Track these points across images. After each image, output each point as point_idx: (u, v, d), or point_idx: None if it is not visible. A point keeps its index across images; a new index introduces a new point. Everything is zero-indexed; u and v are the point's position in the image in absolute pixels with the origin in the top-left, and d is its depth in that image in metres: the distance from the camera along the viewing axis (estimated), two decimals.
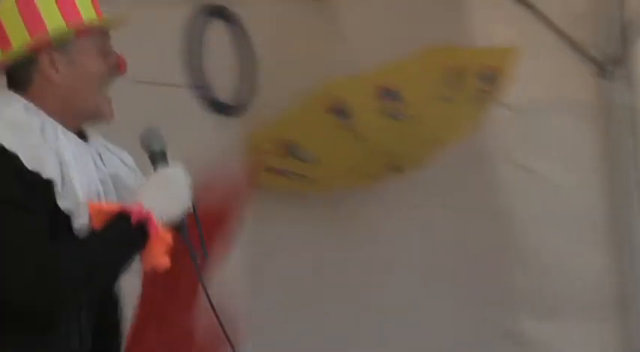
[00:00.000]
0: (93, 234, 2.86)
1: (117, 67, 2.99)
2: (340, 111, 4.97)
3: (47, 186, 2.79)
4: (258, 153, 5.11)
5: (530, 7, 5.48)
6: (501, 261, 5.75)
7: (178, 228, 3.00)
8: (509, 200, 5.66)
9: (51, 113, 2.88)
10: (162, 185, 3.02)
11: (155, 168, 3.00)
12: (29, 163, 2.76)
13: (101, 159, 3.03)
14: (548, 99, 5.66)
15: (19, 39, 2.91)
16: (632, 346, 6.03)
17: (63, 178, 2.85)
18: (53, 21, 2.91)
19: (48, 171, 2.81)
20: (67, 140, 2.88)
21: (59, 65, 2.87)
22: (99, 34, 2.94)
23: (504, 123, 5.48)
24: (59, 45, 2.87)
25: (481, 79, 5.20)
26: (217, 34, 4.91)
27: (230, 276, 4.58)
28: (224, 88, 4.91)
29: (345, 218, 5.45)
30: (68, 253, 2.83)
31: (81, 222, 2.88)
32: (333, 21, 5.11)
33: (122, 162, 3.11)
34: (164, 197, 3.01)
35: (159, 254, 2.93)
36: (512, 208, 5.75)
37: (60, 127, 2.89)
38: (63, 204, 2.80)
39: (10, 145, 2.77)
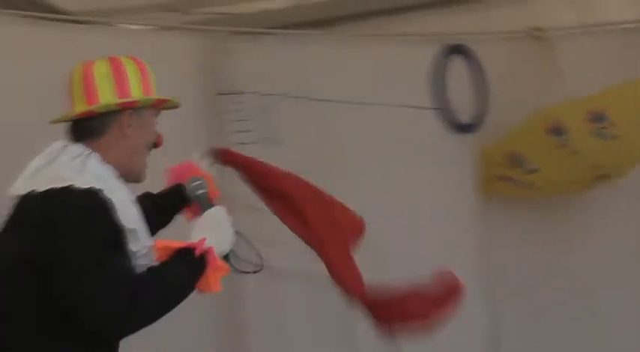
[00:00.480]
0: (163, 267, 3.32)
1: (158, 141, 3.55)
2: (557, 131, 5.73)
3: (122, 231, 3.25)
4: (490, 163, 6.10)
5: None
6: None
7: (226, 258, 3.53)
8: None
9: (112, 163, 3.35)
10: (212, 224, 3.52)
11: (203, 210, 3.58)
12: (118, 205, 3.28)
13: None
14: None
15: (108, 97, 3.40)
16: None
17: (134, 227, 3.35)
18: (136, 90, 3.44)
19: (130, 221, 3.32)
20: (119, 182, 3.41)
21: (133, 125, 3.37)
22: (157, 110, 3.51)
23: None
24: (140, 109, 3.39)
25: None
26: (457, 67, 5.94)
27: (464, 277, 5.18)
28: (462, 110, 5.88)
29: (560, 223, 6.21)
30: (147, 288, 3.26)
31: (144, 262, 3.31)
32: (551, 55, 5.87)
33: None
34: (216, 233, 3.51)
35: (216, 281, 3.40)
36: None
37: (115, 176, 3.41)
38: (133, 247, 3.29)
39: (108, 194, 3.26)
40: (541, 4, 6.55)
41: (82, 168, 3.38)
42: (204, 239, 3.38)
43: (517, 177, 6.11)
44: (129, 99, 3.42)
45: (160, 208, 4.05)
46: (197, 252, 3.32)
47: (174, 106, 3.58)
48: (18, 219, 3.43)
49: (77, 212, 3.27)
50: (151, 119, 3.50)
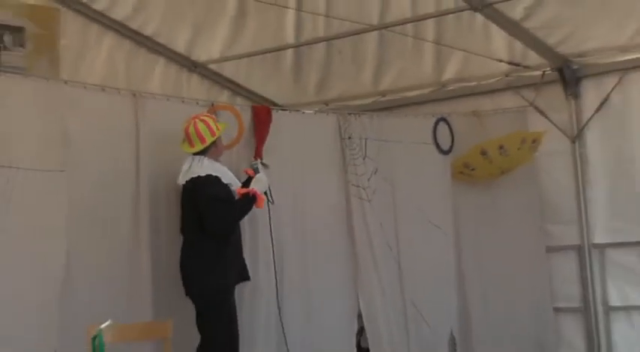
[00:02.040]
0: (239, 200, 7.81)
1: (226, 147, 8.22)
2: (484, 153, 9.77)
3: (227, 186, 7.74)
4: (455, 167, 10.04)
5: None
6: None
7: (266, 195, 8.00)
8: None
9: (212, 159, 7.82)
10: (258, 180, 8.02)
11: (256, 174, 8.08)
12: (224, 180, 7.74)
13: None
14: None
15: (209, 137, 7.80)
16: None
17: (230, 182, 7.77)
18: (217, 131, 7.88)
19: (225, 180, 7.75)
20: (221, 166, 7.84)
21: (219, 145, 7.94)
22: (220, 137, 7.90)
23: None
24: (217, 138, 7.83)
25: (531, 142, 9.83)
26: (443, 128, 10.06)
27: None
28: (445, 145, 9.94)
29: (482, 190, 10.21)
30: (231, 209, 7.74)
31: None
32: (483, 125, 10.14)
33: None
34: (260, 185, 7.99)
35: (261, 203, 7.90)
36: None
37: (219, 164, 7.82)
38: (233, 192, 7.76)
39: (216, 174, 7.69)
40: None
41: (202, 166, 7.67)
42: (254, 188, 7.79)
43: (466, 173, 10.07)
44: (214, 137, 7.74)
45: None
46: (251, 193, 7.74)
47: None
48: (186, 192, 7.69)
49: (206, 182, 7.60)
50: (220, 141, 7.86)
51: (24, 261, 6.79)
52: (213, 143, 7.77)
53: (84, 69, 9.92)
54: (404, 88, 11.05)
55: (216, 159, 7.81)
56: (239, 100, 10.83)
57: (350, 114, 9.61)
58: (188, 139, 7.70)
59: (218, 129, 7.80)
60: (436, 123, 10.21)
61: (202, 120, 7.72)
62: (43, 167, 7.00)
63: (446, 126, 10.28)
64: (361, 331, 9.43)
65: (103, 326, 5.89)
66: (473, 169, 10.23)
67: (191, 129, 7.66)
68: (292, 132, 8.88)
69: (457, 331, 9.94)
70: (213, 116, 7.93)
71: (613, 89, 10.09)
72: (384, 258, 9.42)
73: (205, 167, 7.60)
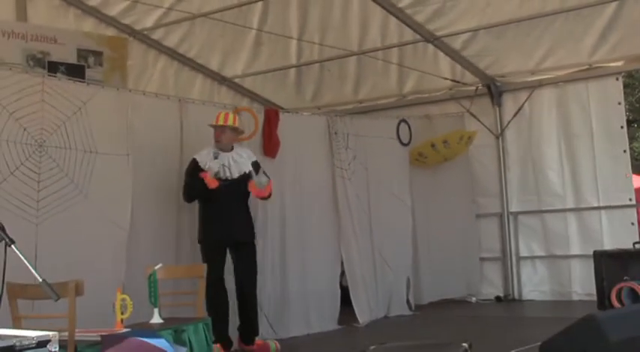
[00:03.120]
0: (187, 180, 7.09)
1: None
2: (433, 146, 9.97)
3: (196, 169, 6.95)
4: (412, 155, 10.22)
5: None
6: None
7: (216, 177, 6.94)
8: None
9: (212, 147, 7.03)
10: (210, 168, 7.14)
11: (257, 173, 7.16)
12: (202, 163, 7.01)
13: (231, 159, 7.14)
14: None
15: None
16: None
17: (206, 167, 6.95)
18: (217, 122, 7.13)
19: (201, 164, 7.00)
20: (209, 153, 7.04)
21: (215, 134, 7.11)
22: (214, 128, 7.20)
23: None
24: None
25: (467, 139, 10.19)
26: (404, 127, 11.04)
27: None
28: (405, 139, 10.22)
29: (430, 172, 10.63)
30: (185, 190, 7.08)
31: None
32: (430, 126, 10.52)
33: (233, 159, 7.15)
34: (209, 170, 6.96)
35: (210, 184, 6.85)
36: None
37: (215, 150, 7.06)
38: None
39: (197, 157, 7.06)
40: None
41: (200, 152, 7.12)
42: (204, 173, 6.91)
43: (420, 160, 10.19)
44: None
45: None
46: (200, 175, 6.98)
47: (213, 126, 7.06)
48: None
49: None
50: (215, 130, 7.10)
51: (102, 218, 6.85)
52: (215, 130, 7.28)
53: (144, 82, 10.12)
54: (376, 98, 11.16)
55: (220, 147, 7.29)
56: (255, 105, 10.85)
57: (336, 116, 9.58)
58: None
59: (219, 121, 7.32)
60: (399, 124, 10.20)
61: (220, 112, 7.48)
62: (114, 152, 7.04)
63: (406, 126, 10.26)
64: (342, 273, 9.42)
65: (157, 267, 5.93)
66: (425, 157, 10.32)
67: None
68: (293, 129, 8.85)
69: (411, 274, 10.04)
70: (225, 114, 7.46)
71: (525, 101, 10.39)
72: (359, 221, 9.44)
73: (199, 154, 7.28)
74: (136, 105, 7.41)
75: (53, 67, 8.45)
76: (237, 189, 7.16)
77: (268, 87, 11.28)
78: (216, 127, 7.22)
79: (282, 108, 10.30)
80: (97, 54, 8.95)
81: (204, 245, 7.21)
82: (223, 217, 7.07)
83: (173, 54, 10.43)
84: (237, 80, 11.19)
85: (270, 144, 8.41)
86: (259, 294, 7.72)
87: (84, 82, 7.73)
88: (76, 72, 8.52)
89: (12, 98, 6.32)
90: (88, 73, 8.75)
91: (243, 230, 7.26)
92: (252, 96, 11.44)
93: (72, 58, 8.73)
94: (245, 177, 7.16)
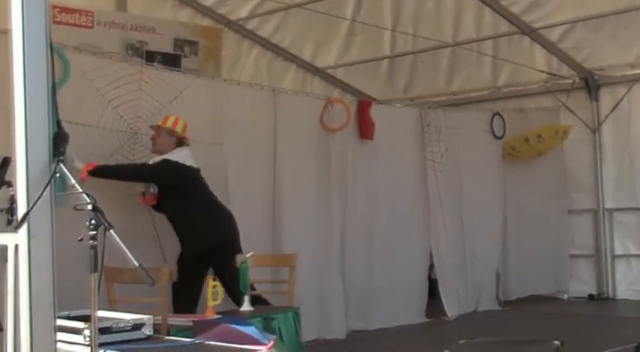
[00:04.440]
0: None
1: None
2: (527, 140, 9.85)
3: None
4: (505, 149, 10.01)
5: None
6: None
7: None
8: None
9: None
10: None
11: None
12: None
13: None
14: None
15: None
16: None
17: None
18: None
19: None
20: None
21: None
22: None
23: None
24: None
25: (563, 133, 10.00)
26: (498, 120, 10.20)
27: None
28: (499, 132, 10.02)
29: (524, 166, 10.15)
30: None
31: None
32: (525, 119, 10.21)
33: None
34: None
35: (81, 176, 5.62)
36: None
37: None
38: None
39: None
40: None
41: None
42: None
43: (513, 154, 10.03)
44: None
45: None
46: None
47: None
48: None
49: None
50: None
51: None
52: None
53: (237, 71, 10.14)
54: (469, 90, 10.99)
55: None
56: (347, 96, 10.76)
57: (429, 107, 9.57)
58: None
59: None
60: (493, 117, 10.10)
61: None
62: (208, 140, 7.11)
63: (500, 119, 10.16)
64: (431, 266, 9.36)
65: (248, 255, 5.96)
66: (518, 151, 10.16)
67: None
68: (385, 120, 8.80)
69: (500, 267, 9.96)
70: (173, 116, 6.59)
71: (625, 95, 10.10)
72: (450, 213, 9.40)
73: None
74: (230, 95, 7.46)
75: (150, 57, 8.57)
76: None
77: (360, 78, 11.21)
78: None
79: (373, 99, 10.25)
80: (193, 44, 9.01)
81: None
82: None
83: (266, 44, 10.47)
84: (329, 71, 11.18)
85: (365, 126, 8.38)
86: (347, 284, 7.77)
87: (180, 71, 7.81)
88: (172, 61, 8.64)
89: (111, 86, 6.45)
90: (184, 62, 8.83)
91: None
92: (344, 87, 11.40)
93: (168, 48, 8.84)
94: None
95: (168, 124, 6.31)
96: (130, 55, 8.38)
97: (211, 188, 6.68)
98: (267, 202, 7.69)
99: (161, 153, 6.22)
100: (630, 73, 10.02)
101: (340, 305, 7.97)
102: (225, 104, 7.38)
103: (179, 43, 8.90)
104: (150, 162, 6.18)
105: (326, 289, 7.87)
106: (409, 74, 10.99)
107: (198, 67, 8.84)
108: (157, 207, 6.28)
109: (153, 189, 6.20)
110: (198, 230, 6.12)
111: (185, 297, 5.90)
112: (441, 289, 9.14)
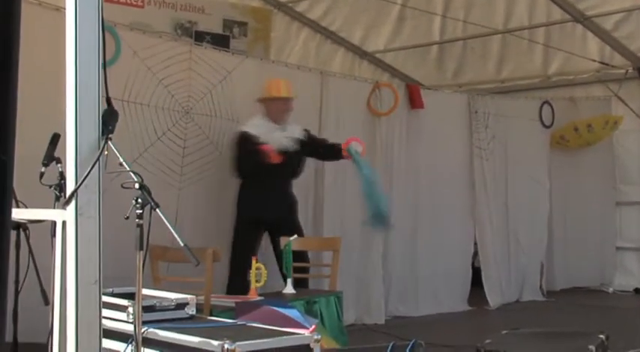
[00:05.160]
0: (245, 150, 6.28)
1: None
2: (575, 129, 9.77)
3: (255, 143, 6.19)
4: (554, 138, 9.87)
5: None
6: None
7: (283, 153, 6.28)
8: None
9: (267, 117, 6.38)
10: (274, 140, 6.35)
11: (353, 159, 6.51)
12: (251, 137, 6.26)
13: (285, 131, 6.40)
14: None
15: (265, 94, 6.47)
16: None
17: (265, 140, 6.29)
18: (273, 92, 6.44)
19: (261, 139, 6.25)
20: (264, 126, 6.35)
21: (270, 108, 6.50)
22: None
23: None
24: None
25: (613, 124, 9.92)
26: (547, 109, 10.71)
27: None
28: (547, 122, 10.00)
29: (570, 154, 10.04)
30: (239, 161, 6.30)
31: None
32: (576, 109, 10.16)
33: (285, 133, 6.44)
34: (274, 143, 6.28)
35: (273, 158, 6.14)
36: None
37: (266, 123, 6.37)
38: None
39: (248, 129, 6.36)
40: None
41: (249, 122, 6.53)
42: (266, 146, 6.33)
43: (562, 143, 10.01)
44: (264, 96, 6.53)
45: (327, 150, 6.79)
46: (261, 148, 6.31)
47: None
48: None
49: (237, 139, 6.43)
50: (270, 103, 6.48)
51: None
52: (266, 102, 6.66)
53: (286, 53, 10.09)
54: (518, 78, 10.81)
55: (275, 120, 6.60)
56: (395, 80, 10.60)
57: (477, 94, 9.52)
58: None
59: (274, 93, 6.67)
60: (542, 105, 9.99)
61: (274, 80, 6.82)
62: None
63: (549, 108, 10.05)
64: (475, 254, 9.25)
65: (292, 238, 5.95)
66: (567, 141, 10.10)
67: (265, 85, 6.84)
68: (434, 106, 8.78)
69: (544, 259, 9.85)
70: (285, 83, 6.75)
71: None
72: (495, 201, 9.36)
73: (249, 124, 6.61)
74: (279, 76, 7.41)
75: (199, 37, 8.64)
76: (291, 165, 6.68)
77: (409, 63, 11.13)
78: (281, 99, 6.64)
79: (422, 85, 10.18)
80: (242, 24, 9.09)
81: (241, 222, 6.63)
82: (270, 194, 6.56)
83: (316, 27, 10.42)
84: (377, 55, 11.11)
85: (414, 97, 8.45)
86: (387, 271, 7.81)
87: (229, 51, 7.86)
88: (221, 42, 8.71)
89: (161, 65, 6.53)
90: (232, 43, 8.91)
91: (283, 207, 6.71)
92: (392, 71, 11.31)
93: (217, 28, 8.90)
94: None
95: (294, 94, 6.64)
96: (179, 34, 8.49)
97: None
98: (310, 186, 7.68)
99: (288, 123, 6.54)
100: None
101: (380, 290, 7.97)
102: None
103: (228, 24, 8.99)
104: (290, 133, 6.53)
105: (366, 273, 7.90)
106: (458, 60, 10.88)
107: (246, 48, 8.93)
108: (279, 167, 6.41)
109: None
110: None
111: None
112: (484, 278, 9.10)
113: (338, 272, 6.35)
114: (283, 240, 5.94)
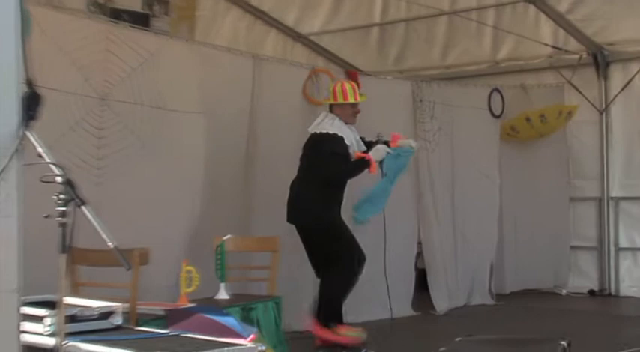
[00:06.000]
0: (354, 161, 6.94)
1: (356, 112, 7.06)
2: (528, 119, 9.81)
3: (346, 146, 6.87)
4: (503, 129, 9.92)
5: None
6: None
7: (379, 163, 6.91)
8: None
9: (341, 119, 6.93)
10: (376, 151, 6.91)
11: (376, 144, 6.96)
12: (346, 141, 6.88)
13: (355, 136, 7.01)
14: None
15: (341, 98, 6.97)
16: None
17: (350, 144, 6.91)
18: (349, 97, 6.96)
19: (347, 141, 6.90)
20: (348, 129, 6.97)
21: (346, 111, 6.96)
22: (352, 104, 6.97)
23: None
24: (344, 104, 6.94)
25: (567, 114, 9.99)
26: (497, 97, 10.61)
27: None
28: (497, 111, 9.96)
29: (519, 146, 10.30)
30: (342, 169, 6.94)
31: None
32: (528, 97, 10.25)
33: (356, 137, 7.05)
34: (376, 154, 6.91)
35: (372, 170, 6.86)
36: None
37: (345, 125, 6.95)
38: (351, 152, 6.93)
39: (341, 134, 6.90)
40: None
41: (332, 124, 6.99)
42: (370, 155, 6.89)
43: (512, 134, 10.13)
44: (343, 101, 7.00)
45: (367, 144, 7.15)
46: (366, 158, 6.89)
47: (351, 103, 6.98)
48: (312, 141, 7.05)
49: (331, 140, 6.90)
50: (349, 107, 6.98)
51: (171, 181, 6.83)
52: (340, 106, 7.13)
53: (212, 35, 9.92)
54: (466, 63, 10.94)
55: (347, 122, 7.12)
56: (332, 66, 10.60)
57: (422, 81, 9.48)
58: (331, 94, 7.26)
59: (350, 96, 7.18)
60: (491, 93, 10.04)
61: (347, 83, 7.31)
62: (184, 109, 6.98)
63: (498, 96, 10.10)
64: (419, 254, 9.32)
65: (226, 237, 5.87)
66: (517, 132, 10.20)
67: (337, 87, 7.23)
68: (375, 94, 8.47)
69: (494, 259, 9.94)
70: (356, 86, 7.34)
71: (636, 73, 10.07)
72: (441, 198, 9.39)
73: (335, 126, 7.02)
74: (207, 60, 7.36)
75: (116, 15, 8.43)
76: None
77: (347, 47, 11.12)
78: (356, 104, 7.22)
79: (361, 71, 10.17)
80: (164, 2, 8.98)
81: (333, 220, 7.16)
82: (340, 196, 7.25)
83: (245, 6, 10.33)
84: (313, 38, 11.08)
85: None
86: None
87: (150, 31, 7.70)
88: (140, 20, 8.54)
89: (74, 45, 6.26)
90: (153, 22, 8.79)
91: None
92: (329, 56, 11.29)
93: (136, 6, 8.79)
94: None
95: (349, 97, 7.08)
96: (92, 11, 8.31)
97: (185, 162, 6.71)
98: (246, 179, 7.68)
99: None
100: None
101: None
102: (200, 70, 7.27)
103: (148, 2, 8.89)
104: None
105: (301, 275, 7.80)
106: (401, 44, 10.91)
107: (169, 28, 8.79)
108: None
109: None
110: None
111: None
112: (430, 280, 9.14)
113: (277, 276, 6.25)
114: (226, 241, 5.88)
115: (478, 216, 9.72)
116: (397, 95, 9.16)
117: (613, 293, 10.24)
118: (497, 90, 10.09)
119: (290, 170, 7.36)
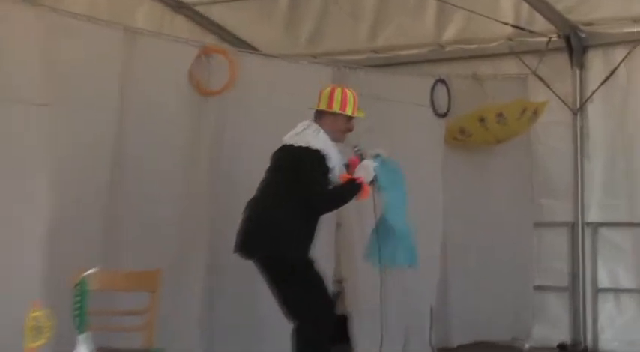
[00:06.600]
0: (340, 186, 7.02)
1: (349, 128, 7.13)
2: (482, 120, 9.68)
3: (328, 168, 6.87)
4: (450, 132, 9.87)
5: None
6: None
7: (370, 184, 6.96)
8: None
9: (327, 133, 6.93)
10: (364, 169, 6.98)
11: (361, 161, 7.06)
12: (330, 162, 6.87)
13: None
14: None
15: (337, 107, 7.04)
16: None
17: (334, 166, 6.92)
18: (346, 109, 7.03)
19: (330, 163, 6.89)
20: (334, 148, 6.97)
21: (339, 125, 7.03)
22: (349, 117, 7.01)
23: None
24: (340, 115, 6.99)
25: (532, 113, 9.86)
26: (441, 89, 10.32)
27: None
28: (441, 108, 9.94)
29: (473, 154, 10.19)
30: (328, 195, 7.01)
31: (333, 181, 6.95)
32: (482, 89, 10.22)
33: (344, 160, 7.12)
34: (366, 173, 6.98)
35: (365, 195, 6.98)
36: None
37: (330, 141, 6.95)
38: (332, 177, 6.98)
39: (325, 153, 6.88)
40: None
41: (317, 137, 6.98)
42: (361, 177, 6.96)
43: (461, 139, 10.09)
44: (340, 111, 7.07)
45: None
46: (357, 181, 6.96)
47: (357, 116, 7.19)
48: (288, 152, 7.01)
49: (315, 158, 6.88)
50: (342, 121, 7.07)
51: (9, 196, 6.68)
52: (334, 115, 7.24)
53: (67, 1, 9.58)
54: (401, 46, 10.98)
55: (334, 139, 7.22)
56: (225, 45, 10.45)
57: (345, 67, 9.49)
58: (325, 98, 7.33)
59: (350, 107, 7.32)
60: (434, 85, 10.11)
61: (350, 91, 7.42)
62: (28, 99, 6.80)
63: (444, 88, 10.19)
64: (338, 295, 9.32)
65: (89, 272, 5.62)
66: (469, 135, 10.16)
67: (336, 92, 7.32)
68: (284, 83, 8.78)
69: (435, 301, 9.93)
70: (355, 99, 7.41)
71: (622, 61, 10.05)
72: (368, 218, 8.86)
73: (320, 140, 7.09)
74: (64, 33, 7.20)
75: None
76: None
77: (245, 21, 11.08)
78: (353, 118, 7.36)
79: (262, 53, 10.16)
80: None
81: (303, 262, 7.12)
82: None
83: None
84: (199, 8, 11.02)
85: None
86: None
87: None
88: None
89: None
90: None
91: None
92: (221, 32, 11.26)
93: None
94: None
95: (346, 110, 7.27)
96: None
97: (31, 170, 6.64)
98: (111, 191, 7.57)
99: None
100: (631, 29, 10.04)
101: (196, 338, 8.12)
102: (51, 45, 7.11)
103: None
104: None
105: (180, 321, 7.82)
106: (316, 20, 10.98)
107: None
108: None
109: None
110: None
111: None
112: (353, 327, 9.19)
113: (156, 322, 6.18)
114: None
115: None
116: (314, 85, 8.65)
117: (590, 347, 10.22)
118: (442, 81, 10.15)
119: (174, 175, 7.43)
